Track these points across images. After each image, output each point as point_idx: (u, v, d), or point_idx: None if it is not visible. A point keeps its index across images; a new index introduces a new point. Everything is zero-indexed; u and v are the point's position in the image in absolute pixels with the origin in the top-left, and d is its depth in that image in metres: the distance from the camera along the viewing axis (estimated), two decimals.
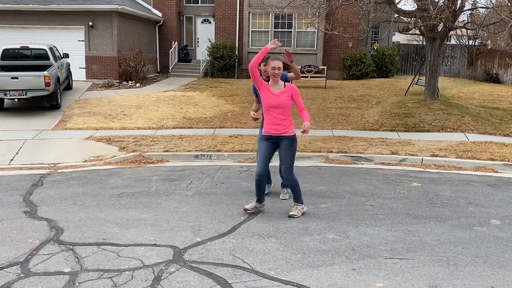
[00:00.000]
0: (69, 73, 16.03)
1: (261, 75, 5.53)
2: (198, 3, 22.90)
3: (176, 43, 22.33)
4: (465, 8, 13.20)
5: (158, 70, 22.71)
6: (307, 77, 18.12)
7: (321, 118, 12.23)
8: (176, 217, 5.51)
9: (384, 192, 6.60)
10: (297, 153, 6.28)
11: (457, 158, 8.53)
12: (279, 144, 5.36)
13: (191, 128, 11.21)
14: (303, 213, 5.55)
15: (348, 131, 10.98)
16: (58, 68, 13.76)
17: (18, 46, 13.89)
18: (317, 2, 13.77)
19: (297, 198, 5.54)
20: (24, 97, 12.22)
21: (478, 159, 8.46)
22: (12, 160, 8.54)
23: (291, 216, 5.46)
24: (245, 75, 20.77)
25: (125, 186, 6.89)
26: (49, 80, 12.22)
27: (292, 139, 5.34)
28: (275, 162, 6.08)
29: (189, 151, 8.92)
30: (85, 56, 18.67)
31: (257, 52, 5.24)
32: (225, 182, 7.06)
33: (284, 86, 5.35)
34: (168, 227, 5.19)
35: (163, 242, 4.75)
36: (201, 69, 21.28)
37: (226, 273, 4.08)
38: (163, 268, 4.17)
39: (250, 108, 13.43)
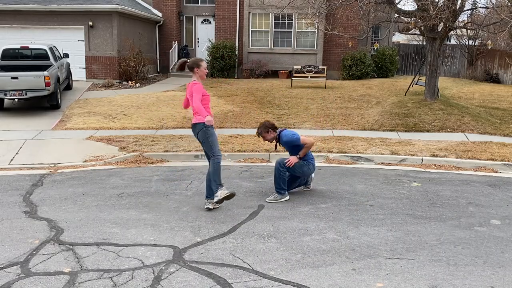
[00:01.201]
0: (69, 73, 16.03)
1: None
2: (198, 3, 22.89)
3: (176, 43, 22.33)
4: (465, 8, 13.20)
5: (158, 70, 22.71)
6: (307, 77, 18.12)
7: (321, 118, 12.23)
8: (176, 217, 5.51)
9: (384, 192, 6.61)
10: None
11: (457, 158, 8.53)
12: None
13: (191, 128, 11.18)
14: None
15: (348, 131, 10.98)
16: (58, 68, 13.76)
17: (18, 46, 13.89)
18: (317, 2, 13.77)
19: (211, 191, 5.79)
20: (24, 97, 12.22)
21: (478, 159, 8.46)
22: (12, 160, 8.54)
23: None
24: (245, 75, 20.77)
25: (125, 186, 6.89)
26: (49, 80, 12.22)
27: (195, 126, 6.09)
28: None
29: (189, 151, 8.92)
30: (85, 56, 18.66)
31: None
32: (225, 182, 7.04)
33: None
34: (168, 227, 5.19)
35: (163, 242, 4.75)
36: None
37: (226, 273, 4.08)
38: (163, 268, 4.17)
39: (250, 108, 13.46)
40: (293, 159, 6.09)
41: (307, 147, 6.09)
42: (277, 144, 6.29)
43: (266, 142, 6.40)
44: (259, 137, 6.30)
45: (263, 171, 7.75)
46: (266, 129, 6.17)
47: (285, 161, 6.11)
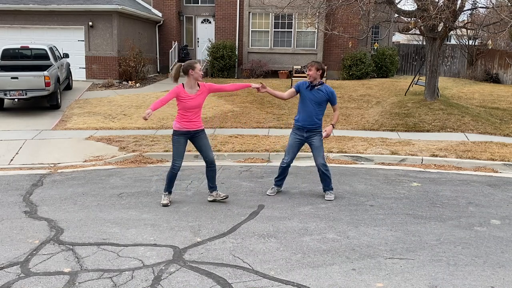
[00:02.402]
0: (69, 73, 16.03)
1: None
2: (198, 3, 22.89)
3: (176, 43, 22.32)
4: (465, 8, 13.21)
5: (158, 70, 22.71)
6: (307, 77, 18.09)
7: None
8: (176, 217, 5.51)
9: (384, 192, 6.60)
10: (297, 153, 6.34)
11: (457, 158, 8.53)
12: (195, 137, 5.92)
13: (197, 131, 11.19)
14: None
15: (348, 131, 10.98)
16: (58, 68, 13.75)
17: (18, 46, 13.89)
18: (317, 2, 13.77)
19: (213, 183, 6.12)
20: (24, 97, 12.22)
21: (478, 159, 8.46)
22: (12, 160, 8.54)
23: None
24: (245, 75, 20.77)
25: (125, 186, 6.89)
26: (49, 80, 12.22)
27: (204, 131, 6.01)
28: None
29: (189, 151, 8.88)
30: (85, 56, 18.66)
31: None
32: (225, 182, 7.06)
33: (199, 87, 5.83)
34: (168, 227, 5.19)
35: (163, 242, 4.75)
36: (201, 69, 21.25)
37: (226, 273, 4.08)
38: (163, 268, 4.17)
39: (250, 108, 13.45)
40: (330, 129, 6.15)
41: (338, 114, 6.29)
42: (314, 86, 6.06)
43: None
44: (307, 67, 6.12)
45: (263, 171, 7.75)
46: (319, 68, 6.00)
47: (323, 136, 6.09)
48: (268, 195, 6.33)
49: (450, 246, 4.70)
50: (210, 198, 6.13)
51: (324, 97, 6.03)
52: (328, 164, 6.65)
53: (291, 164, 6.35)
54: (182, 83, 5.77)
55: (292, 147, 6.24)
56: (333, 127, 6.21)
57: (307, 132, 6.10)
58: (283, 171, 6.35)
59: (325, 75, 6.07)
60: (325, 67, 6.19)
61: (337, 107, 6.23)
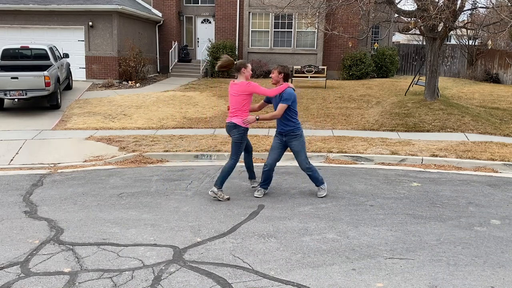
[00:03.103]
0: (69, 73, 16.03)
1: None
2: (198, 3, 22.89)
3: (176, 43, 22.32)
4: (465, 8, 13.21)
5: (158, 70, 22.71)
6: (307, 77, 18.11)
7: (321, 118, 12.23)
8: (176, 217, 5.51)
9: (384, 192, 6.60)
10: None
11: (457, 158, 8.53)
12: None
13: (191, 128, 11.22)
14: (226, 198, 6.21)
15: (348, 131, 10.98)
16: (58, 68, 13.75)
17: (18, 46, 13.89)
18: (317, 2, 13.78)
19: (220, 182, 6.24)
20: (24, 97, 12.22)
21: (478, 159, 8.46)
22: (12, 160, 8.54)
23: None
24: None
25: (125, 186, 6.89)
26: (49, 80, 12.22)
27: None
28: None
29: (189, 151, 8.92)
30: (85, 56, 18.67)
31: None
32: (225, 181, 7.05)
33: None
34: (168, 227, 5.19)
35: (163, 242, 4.75)
36: (201, 69, 21.27)
37: (226, 273, 4.08)
38: (163, 268, 4.17)
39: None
40: (251, 119, 5.95)
41: (273, 115, 5.94)
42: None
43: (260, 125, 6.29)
44: (273, 70, 6.09)
45: None
46: (281, 71, 5.96)
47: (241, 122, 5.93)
48: (256, 197, 6.28)
49: (450, 246, 4.70)
50: (254, 184, 6.58)
51: (280, 98, 5.94)
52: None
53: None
54: (242, 81, 5.98)
55: (273, 149, 6.23)
56: (257, 120, 6.02)
57: (285, 136, 6.11)
58: (268, 176, 6.31)
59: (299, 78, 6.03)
60: (289, 71, 6.12)
61: (280, 108, 5.86)
